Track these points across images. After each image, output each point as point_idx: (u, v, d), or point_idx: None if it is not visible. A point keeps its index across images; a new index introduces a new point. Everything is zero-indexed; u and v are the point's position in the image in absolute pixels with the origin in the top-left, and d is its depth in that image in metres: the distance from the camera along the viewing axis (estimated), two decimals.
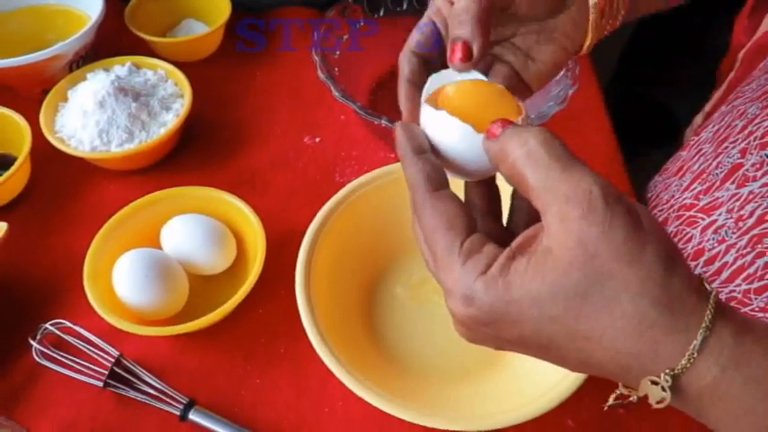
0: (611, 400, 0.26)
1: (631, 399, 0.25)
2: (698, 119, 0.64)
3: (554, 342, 0.25)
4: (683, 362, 0.23)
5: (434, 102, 0.29)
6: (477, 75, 0.31)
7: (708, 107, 0.63)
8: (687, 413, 0.25)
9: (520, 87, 0.36)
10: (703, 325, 0.22)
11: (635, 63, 1.19)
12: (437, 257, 0.26)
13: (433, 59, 0.34)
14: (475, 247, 0.26)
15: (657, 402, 0.23)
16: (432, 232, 0.26)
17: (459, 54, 0.30)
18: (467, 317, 0.26)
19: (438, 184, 0.27)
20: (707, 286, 0.24)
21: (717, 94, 0.61)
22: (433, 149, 0.29)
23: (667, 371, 0.23)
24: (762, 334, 0.23)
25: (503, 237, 0.28)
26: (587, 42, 0.36)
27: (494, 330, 0.26)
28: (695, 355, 0.22)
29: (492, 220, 0.31)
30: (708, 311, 0.23)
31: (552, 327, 0.24)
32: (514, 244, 0.25)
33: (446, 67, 0.32)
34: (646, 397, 0.24)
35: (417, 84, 0.32)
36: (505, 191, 0.31)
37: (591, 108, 0.64)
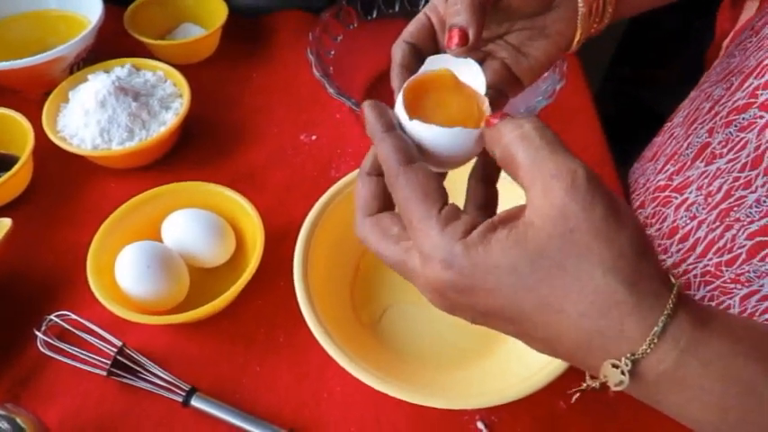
0: (574, 390, 0.27)
1: (593, 386, 0.26)
2: None
3: (525, 314, 0.25)
4: (644, 347, 0.23)
5: (411, 106, 0.30)
6: (471, 62, 0.33)
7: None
8: (643, 400, 0.25)
9: (511, 81, 0.37)
10: (665, 312, 0.23)
11: (625, 64, 1.21)
12: (413, 226, 0.27)
13: (426, 50, 0.35)
14: (452, 214, 0.26)
15: (616, 386, 0.24)
16: (406, 202, 0.27)
17: (455, 39, 0.32)
18: (444, 282, 0.26)
19: (409, 158, 0.28)
20: (672, 279, 0.25)
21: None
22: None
23: (628, 355, 0.24)
24: (720, 322, 0.24)
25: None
26: (576, 38, 0.38)
27: (468, 299, 0.26)
28: (656, 341, 0.23)
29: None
30: (671, 299, 0.24)
31: (526, 296, 0.25)
32: (496, 217, 0.26)
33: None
34: (605, 385, 0.25)
35: (410, 69, 0.34)
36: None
37: (579, 104, 0.66)
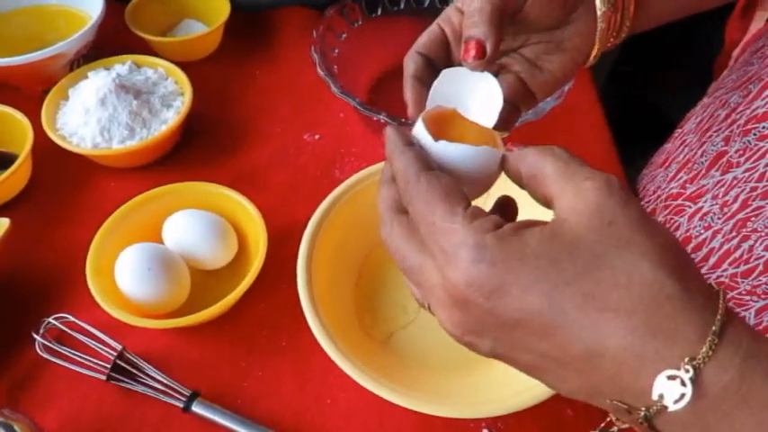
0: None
1: (619, 426, 0.23)
2: None
3: (565, 318, 0.22)
4: (704, 348, 0.20)
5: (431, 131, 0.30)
6: (488, 75, 0.32)
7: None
8: (698, 427, 0.21)
9: (525, 96, 0.36)
10: (719, 311, 0.21)
11: (630, 65, 1.20)
12: (435, 227, 0.24)
13: (439, 61, 0.34)
14: (479, 211, 0.25)
15: (675, 402, 0.20)
16: (427, 204, 0.25)
17: (472, 52, 0.31)
18: (471, 282, 0.23)
19: (429, 166, 0.27)
20: (714, 285, 0.23)
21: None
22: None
23: (687, 360, 0.20)
24: None
25: None
26: (594, 52, 0.37)
27: (496, 304, 0.23)
28: (716, 341, 0.20)
29: None
30: (720, 299, 0.22)
31: (566, 292, 0.22)
32: (524, 221, 0.24)
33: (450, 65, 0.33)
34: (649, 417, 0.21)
35: (423, 80, 0.33)
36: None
37: (586, 104, 0.65)
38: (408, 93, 0.33)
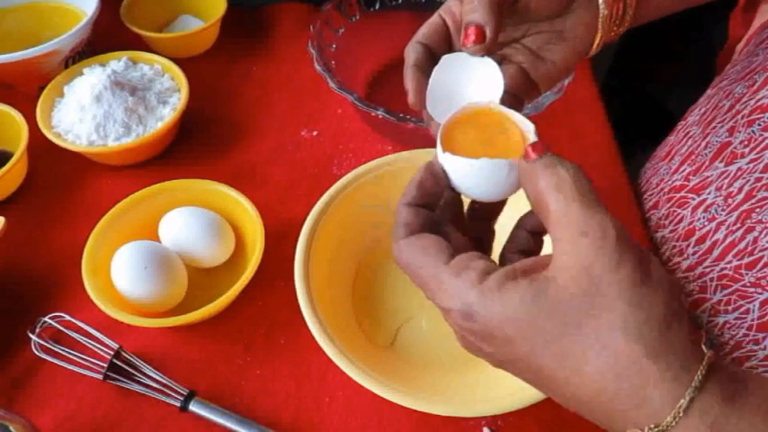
0: None
1: None
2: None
3: (544, 368, 0.24)
4: (669, 419, 0.22)
5: (447, 140, 0.30)
6: (489, 61, 0.31)
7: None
8: None
9: (528, 87, 0.36)
10: (693, 384, 0.22)
11: (630, 58, 1.20)
12: (428, 285, 0.27)
13: (440, 52, 0.34)
14: (461, 263, 0.26)
15: None
16: (416, 267, 0.27)
17: (472, 37, 0.31)
18: (466, 331, 0.26)
19: (413, 230, 0.28)
20: (704, 348, 0.24)
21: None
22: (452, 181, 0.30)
23: (652, 426, 0.22)
24: (752, 392, 0.23)
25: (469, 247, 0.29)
26: (596, 42, 0.37)
27: (488, 346, 0.26)
28: (681, 414, 0.22)
29: (462, 235, 0.31)
30: (700, 371, 0.23)
31: (544, 350, 0.24)
32: (519, 266, 0.25)
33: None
34: None
35: (423, 69, 0.33)
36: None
37: (586, 99, 0.65)
38: (409, 81, 0.33)
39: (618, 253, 0.23)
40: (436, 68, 0.32)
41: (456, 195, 0.32)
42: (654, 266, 0.24)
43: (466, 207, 0.34)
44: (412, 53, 0.33)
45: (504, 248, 0.31)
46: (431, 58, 0.33)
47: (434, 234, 0.28)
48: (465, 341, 0.27)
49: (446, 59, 0.32)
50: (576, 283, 0.23)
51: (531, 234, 0.31)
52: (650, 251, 0.25)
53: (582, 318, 0.23)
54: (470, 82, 0.32)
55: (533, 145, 0.27)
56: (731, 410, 0.22)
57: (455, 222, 0.31)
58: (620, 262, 0.23)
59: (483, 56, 0.31)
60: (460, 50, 0.32)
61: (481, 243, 0.33)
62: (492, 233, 0.33)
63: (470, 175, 0.29)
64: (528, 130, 0.30)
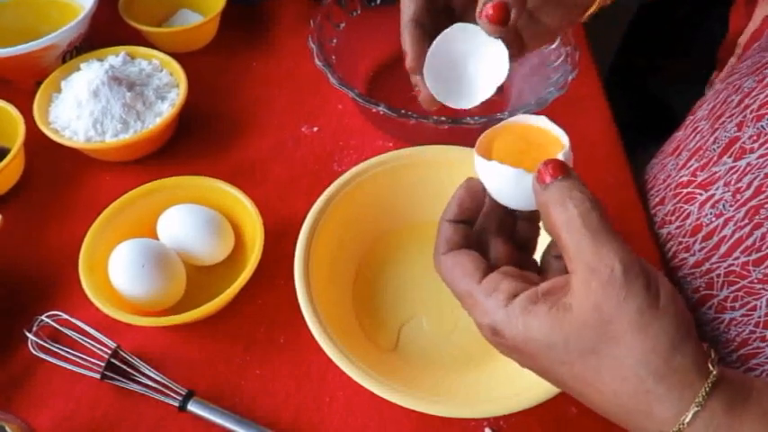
0: None
1: None
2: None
3: (564, 382, 0.28)
4: (674, 430, 0.25)
5: (484, 150, 0.31)
6: (499, 42, 0.30)
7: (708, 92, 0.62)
8: None
9: (517, 45, 0.36)
10: (697, 400, 0.25)
11: (633, 54, 1.19)
12: (464, 300, 0.30)
13: (440, 4, 0.32)
14: (492, 285, 0.28)
15: None
16: (453, 283, 0.30)
17: (491, 13, 0.29)
18: (496, 343, 0.29)
19: (453, 246, 0.31)
20: (711, 367, 0.26)
21: (717, 79, 0.61)
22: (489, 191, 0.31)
23: None
24: (756, 401, 0.25)
25: (514, 258, 0.32)
26: (592, 9, 0.36)
27: (518, 357, 0.29)
28: (684, 426, 0.25)
29: (502, 243, 0.33)
30: (704, 389, 0.25)
31: (562, 368, 0.27)
32: (541, 288, 0.28)
33: (452, 11, 0.31)
34: None
35: (422, 24, 0.31)
36: None
37: (590, 94, 0.64)
38: (407, 39, 0.31)
39: (625, 288, 0.25)
40: (440, 37, 0.30)
41: (498, 205, 0.33)
42: (663, 291, 0.26)
43: None
44: (410, 5, 0.31)
45: (545, 252, 0.32)
46: (431, 11, 0.31)
47: (474, 249, 0.31)
48: (499, 347, 0.30)
49: (452, 30, 0.30)
50: (588, 316, 0.26)
51: (526, 221, 0.33)
52: (661, 273, 0.27)
53: (595, 345, 0.26)
54: (474, 59, 0.31)
55: (546, 165, 0.27)
56: (733, 419, 0.25)
57: (501, 228, 0.33)
58: (627, 296, 0.25)
59: (499, 37, 0.30)
60: (459, 8, 0.31)
61: (527, 244, 0.34)
62: (537, 231, 0.34)
63: (503, 183, 0.30)
64: (564, 143, 0.30)
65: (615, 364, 0.25)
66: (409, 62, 0.32)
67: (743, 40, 0.58)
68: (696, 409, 0.25)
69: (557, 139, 0.31)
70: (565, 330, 0.26)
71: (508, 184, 0.30)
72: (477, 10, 0.29)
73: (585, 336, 0.26)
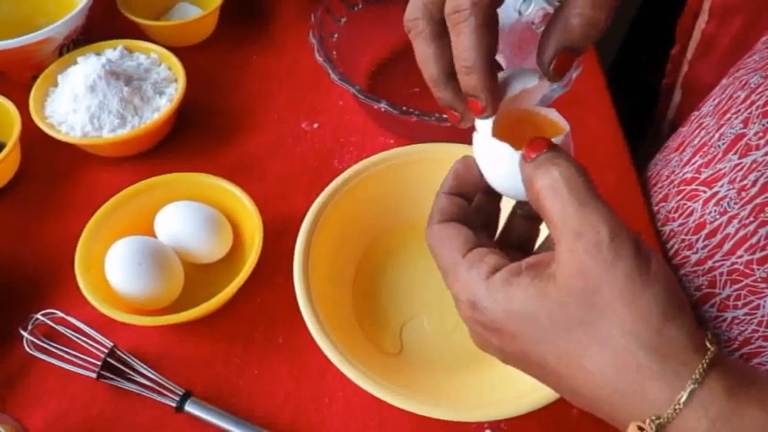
0: None
1: None
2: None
3: (548, 364, 0.25)
4: (669, 411, 0.22)
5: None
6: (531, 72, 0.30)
7: (670, 66, 0.65)
8: None
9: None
10: (693, 377, 0.22)
11: (636, 50, 1.19)
12: (445, 272, 0.28)
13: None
14: (476, 257, 0.27)
15: None
16: (439, 255, 0.29)
17: (562, 64, 0.27)
18: (475, 322, 0.27)
19: (446, 217, 0.29)
20: (708, 345, 0.24)
21: (690, 49, 0.61)
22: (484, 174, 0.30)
23: (653, 417, 0.23)
24: (760, 388, 0.23)
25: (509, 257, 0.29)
26: None
27: (497, 340, 0.27)
28: (680, 407, 0.22)
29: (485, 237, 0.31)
30: (701, 365, 0.23)
31: (547, 346, 0.25)
32: (525, 262, 0.26)
33: None
34: None
35: (492, 30, 0.27)
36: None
37: (594, 92, 0.63)
38: (483, 83, 0.27)
39: (613, 252, 0.23)
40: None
41: (489, 202, 0.32)
42: (654, 260, 0.24)
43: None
44: (484, 37, 0.26)
45: (540, 246, 0.32)
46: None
47: (465, 224, 0.29)
48: (475, 335, 0.28)
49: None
50: (574, 284, 0.24)
51: (525, 219, 0.32)
52: (651, 246, 0.25)
53: (582, 316, 0.24)
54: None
55: (531, 142, 0.26)
56: (737, 404, 0.22)
57: (489, 225, 0.32)
58: (615, 261, 0.23)
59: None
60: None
61: (525, 244, 0.33)
62: (537, 232, 0.33)
63: (495, 160, 0.29)
64: (564, 127, 0.29)
65: (603, 336, 0.23)
66: (483, 103, 0.28)
67: (708, 6, 0.57)
68: (693, 386, 0.22)
69: (556, 125, 0.30)
70: (548, 300, 0.24)
71: (499, 161, 0.28)
72: (544, 58, 0.27)
73: (571, 305, 0.24)
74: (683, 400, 0.22)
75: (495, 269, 0.26)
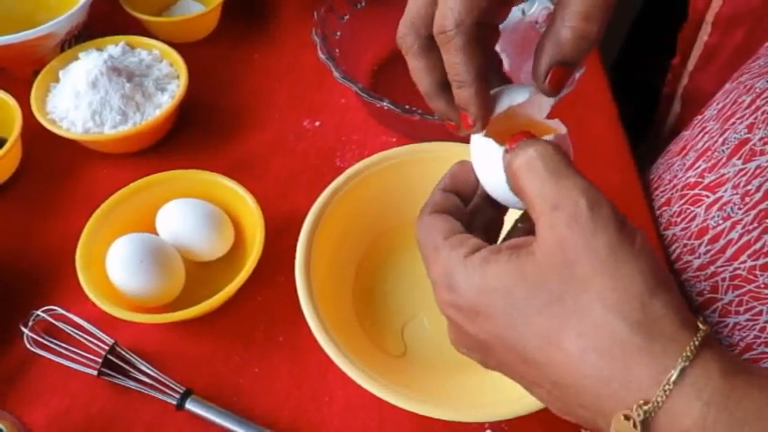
0: None
1: None
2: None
3: (527, 352, 0.23)
4: (658, 393, 0.20)
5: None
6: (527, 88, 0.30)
7: (670, 76, 0.65)
8: None
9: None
10: (684, 354, 0.20)
11: (637, 51, 1.18)
12: (426, 258, 0.28)
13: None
14: (459, 240, 0.26)
15: None
16: (422, 243, 0.28)
17: (558, 79, 0.27)
18: (449, 305, 0.26)
19: (437, 209, 0.29)
20: (700, 325, 0.22)
21: (692, 58, 0.61)
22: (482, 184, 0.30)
23: (641, 402, 0.21)
24: (759, 374, 0.21)
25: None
26: None
27: (473, 326, 0.25)
28: (670, 387, 0.20)
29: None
30: (692, 342, 0.21)
31: (525, 329, 0.23)
32: (505, 244, 0.25)
33: None
34: None
35: (480, 47, 0.27)
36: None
37: (596, 92, 0.63)
38: (476, 101, 0.28)
39: (592, 222, 0.22)
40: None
41: (490, 208, 0.32)
42: (639, 235, 0.23)
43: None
44: (473, 60, 0.27)
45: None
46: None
47: (457, 219, 0.28)
48: (452, 326, 0.27)
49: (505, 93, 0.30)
50: (553, 258, 0.23)
51: (526, 233, 0.30)
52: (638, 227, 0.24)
53: (561, 291, 0.22)
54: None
55: (512, 136, 0.26)
56: (733, 387, 0.20)
57: (490, 231, 0.31)
58: (596, 232, 0.22)
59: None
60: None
61: None
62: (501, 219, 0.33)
63: (488, 160, 0.28)
64: (559, 129, 0.29)
65: (583, 311, 0.22)
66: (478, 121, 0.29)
67: (712, 18, 0.57)
68: (684, 363, 0.20)
69: (555, 132, 0.30)
70: (527, 276, 0.23)
71: (494, 167, 0.28)
72: (539, 73, 0.27)
73: (549, 280, 0.22)
74: (672, 378, 0.20)
75: (475, 250, 0.25)
